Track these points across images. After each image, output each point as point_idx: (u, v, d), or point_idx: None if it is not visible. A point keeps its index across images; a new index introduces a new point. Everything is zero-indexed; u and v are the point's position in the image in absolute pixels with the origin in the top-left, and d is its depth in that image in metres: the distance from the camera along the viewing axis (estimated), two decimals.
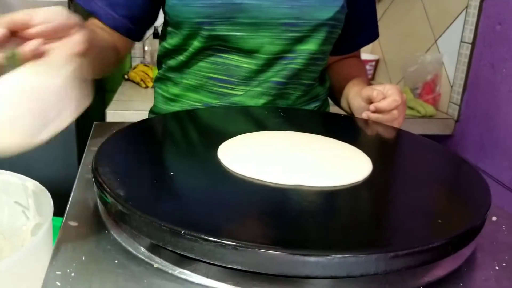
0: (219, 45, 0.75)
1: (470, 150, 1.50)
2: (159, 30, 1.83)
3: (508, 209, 0.56)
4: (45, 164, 1.35)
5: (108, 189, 0.45)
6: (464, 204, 0.48)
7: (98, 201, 0.49)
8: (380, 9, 2.04)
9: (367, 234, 0.41)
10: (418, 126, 1.53)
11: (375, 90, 0.71)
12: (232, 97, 0.79)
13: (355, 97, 0.78)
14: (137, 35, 0.80)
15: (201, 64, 0.78)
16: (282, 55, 0.76)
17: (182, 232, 0.38)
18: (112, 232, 0.46)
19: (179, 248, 0.39)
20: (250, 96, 0.78)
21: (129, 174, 0.49)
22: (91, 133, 0.72)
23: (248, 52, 0.75)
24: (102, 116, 1.42)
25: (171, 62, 0.82)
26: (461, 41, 1.54)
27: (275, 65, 0.76)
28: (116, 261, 0.42)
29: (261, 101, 0.78)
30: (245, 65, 0.76)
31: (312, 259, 0.37)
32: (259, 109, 0.77)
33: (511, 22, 1.34)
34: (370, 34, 0.93)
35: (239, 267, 0.37)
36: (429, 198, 0.49)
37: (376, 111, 0.71)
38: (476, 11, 1.47)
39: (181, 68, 0.81)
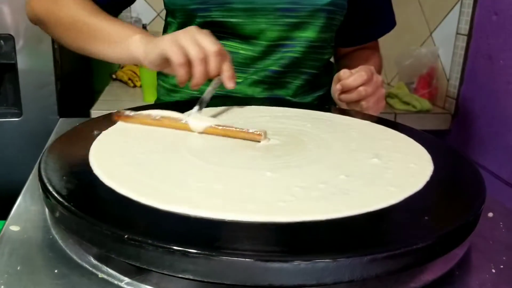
0: (215, 31, 0.72)
1: (468, 145, 1.46)
2: (148, 28, 1.79)
3: (508, 205, 0.50)
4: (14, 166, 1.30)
5: (50, 189, 0.39)
6: (456, 199, 0.43)
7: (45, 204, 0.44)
8: None
9: (340, 236, 0.35)
10: (414, 122, 1.48)
11: (343, 70, 0.68)
12: None
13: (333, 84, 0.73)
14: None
15: None
16: (281, 42, 0.74)
17: (126, 237, 0.33)
18: (57, 238, 0.41)
19: (124, 255, 0.34)
20: (247, 85, 0.76)
21: (75, 175, 0.43)
22: (54, 131, 0.66)
23: (245, 38, 0.74)
24: (88, 117, 1.38)
25: None
26: (457, 33, 1.49)
27: (274, 53, 0.75)
28: (56, 271, 0.36)
29: (257, 89, 0.76)
30: (242, 51, 0.75)
31: (275, 265, 0.31)
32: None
33: (508, 11, 1.29)
34: (386, 23, 0.89)
35: (191, 277, 0.32)
36: (416, 193, 0.43)
37: (343, 89, 0.67)
38: (471, 2, 1.42)
39: None
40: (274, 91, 0.77)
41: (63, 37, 0.71)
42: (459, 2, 1.47)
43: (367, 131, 0.59)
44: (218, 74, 0.59)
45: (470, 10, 1.43)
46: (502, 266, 0.39)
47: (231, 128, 0.54)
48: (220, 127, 0.55)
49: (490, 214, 0.47)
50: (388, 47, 1.92)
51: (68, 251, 0.39)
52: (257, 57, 0.75)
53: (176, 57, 0.57)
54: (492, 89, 1.36)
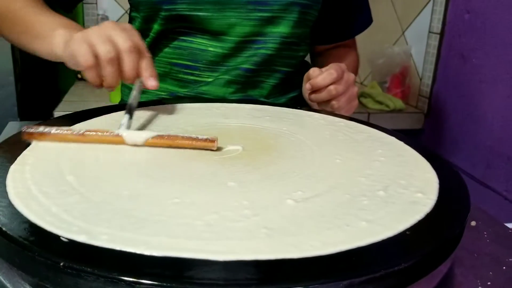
0: (181, 27, 0.69)
1: (441, 145, 1.45)
2: None
3: (483, 206, 0.47)
4: None
5: None
6: (439, 209, 0.39)
7: None
8: None
9: (312, 258, 0.31)
10: (387, 121, 1.46)
11: (313, 68, 0.64)
12: (200, 86, 0.72)
13: (303, 83, 0.70)
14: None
15: (165, 49, 0.72)
16: (252, 38, 0.70)
17: (62, 264, 0.28)
18: None
19: (60, 286, 0.29)
20: (219, 85, 0.72)
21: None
22: (0, 135, 0.60)
23: (214, 34, 0.69)
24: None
25: None
26: (429, 32, 1.48)
27: (245, 49, 0.71)
28: None
29: (230, 89, 0.72)
30: (211, 49, 0.70)
31: None
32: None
33: (480, 10, 1.29)
34: (363, 20, 0.85)
35: None
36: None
37: (313, 88, 0.63)
38: (443, 0, 1.41)
39: None
40: (247, 91, 0.73)
41: (1, 29, 0.67)
42: (432, 1, 1.46)
43: (352, 135, 0.55)
44: (138, 74, 0.52)
45: (443, 9, 1.42)
46: (489, 283, 0.36)
47: (177, 136, 0.46)
48: (166, 137, 0.46)
49: (473, 223, 0.44)
50: (361, 46, 1.89)
51: (3, 280, 0.34)
52: (227, 54, 0.70)
53: (83, 59, 0.49)
54: (464, 87, 1.35)
